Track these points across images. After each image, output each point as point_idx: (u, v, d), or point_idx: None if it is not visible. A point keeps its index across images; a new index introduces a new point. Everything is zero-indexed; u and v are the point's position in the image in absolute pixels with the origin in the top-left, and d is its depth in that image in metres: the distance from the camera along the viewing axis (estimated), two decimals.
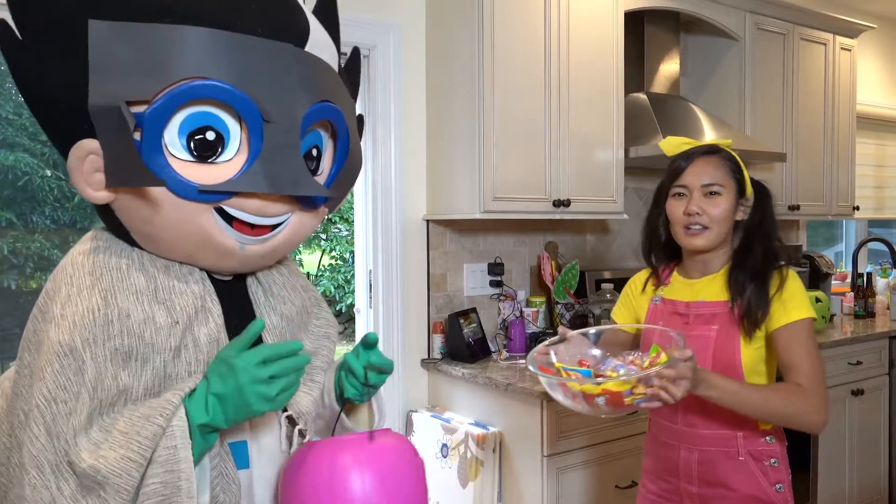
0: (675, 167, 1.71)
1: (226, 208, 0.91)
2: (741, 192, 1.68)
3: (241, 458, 1.00)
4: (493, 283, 3.01)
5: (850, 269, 4.35)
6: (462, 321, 2.79)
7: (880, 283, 4.37)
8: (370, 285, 2.80)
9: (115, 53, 0.83)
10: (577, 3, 2.82)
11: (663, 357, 1.41)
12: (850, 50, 3.97)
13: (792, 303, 1.60)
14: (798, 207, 3.70)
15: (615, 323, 1.87)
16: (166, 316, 0.91)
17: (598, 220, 3.38)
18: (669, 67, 3.42)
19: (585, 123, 2.86)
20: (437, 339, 2.84)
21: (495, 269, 2.99)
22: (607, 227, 3.46)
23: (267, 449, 1.03)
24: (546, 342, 1.56)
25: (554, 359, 1.49)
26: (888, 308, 3.94)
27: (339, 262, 6.44)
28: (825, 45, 3.85)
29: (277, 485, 1.03)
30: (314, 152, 0.99)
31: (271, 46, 0.90)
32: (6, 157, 3.98)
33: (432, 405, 2.81)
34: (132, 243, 0.95)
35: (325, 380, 1.15)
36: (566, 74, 2.79)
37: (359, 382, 1.09)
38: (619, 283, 3.21)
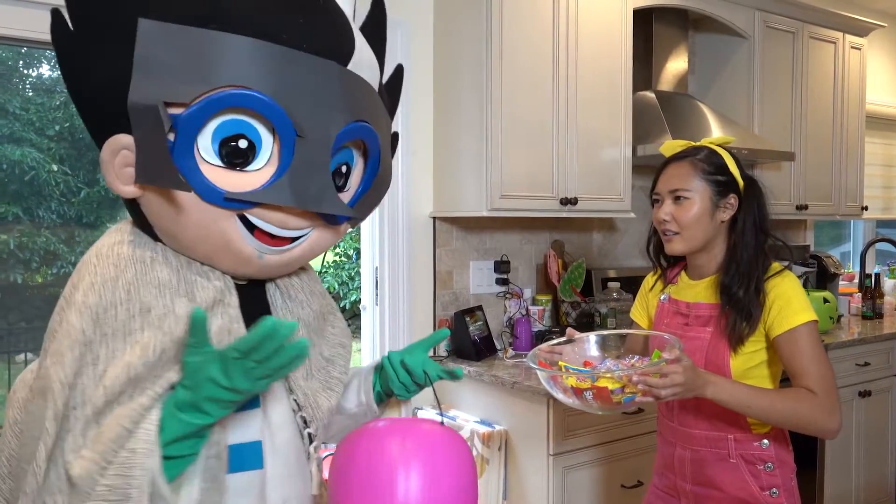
0: (658, 170, 1.74)
1: (249, 216, 0.91)
2: (722, 192, 1.64)
3: (256, 458, 0.99)
4: (500, 281, 3.00)
5: (857, 269, 4.33)
6: (468, 319, 2.78)
7: (888, 283, 4.36)
8: (376, 282, 2.79)
9: (159, 53, 0.84)
10: (585, 0, 2.80)
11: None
12: (859, 49, 3.95)
13: (790, 308, 1.58)
14: (806, 207, 3.69)
15: (633, 322, 1.91)
16: (185, 307, 0.91)
17: (604, 219, 3.37)
18: (678, 65, 3.40)
19: (593, 121, 2.85)
20: None
21: (501, 266, 2.98)
22: (614, 225, 3.45)
23: (282, 449, 1.03)
24: (553, 341, 1.58)
25: (561, 357, 1.52)
26: None
27: (343, 258, 6.44)
28: (835, 43, 3.82)
29: (300, 479, 1.05)
30: (343, 169, 1.00)
31: (314, 62, 0.91)
32: (13, 152, 3.99)
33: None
34: (156, 238, 0.96)
35: (360, 382, 1.19)
36: (574, 72, 2.78)
37: (412, 382, 1.14)
38: (626, 282, 3.22)
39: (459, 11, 2.71)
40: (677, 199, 1.66)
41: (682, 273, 1.78)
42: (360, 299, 2.92)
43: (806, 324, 1.57)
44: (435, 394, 1.22)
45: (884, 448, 3.51)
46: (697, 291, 1.71)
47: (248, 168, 0.90)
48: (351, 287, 6.19)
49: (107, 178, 0.90)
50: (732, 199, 1.65)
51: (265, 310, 1.05)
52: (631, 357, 1.53)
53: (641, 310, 1.89)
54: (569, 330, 1.60)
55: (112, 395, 0.86)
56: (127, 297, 0.88)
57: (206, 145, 0.88)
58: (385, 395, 1.21)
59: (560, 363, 1.50)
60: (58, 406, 0.85)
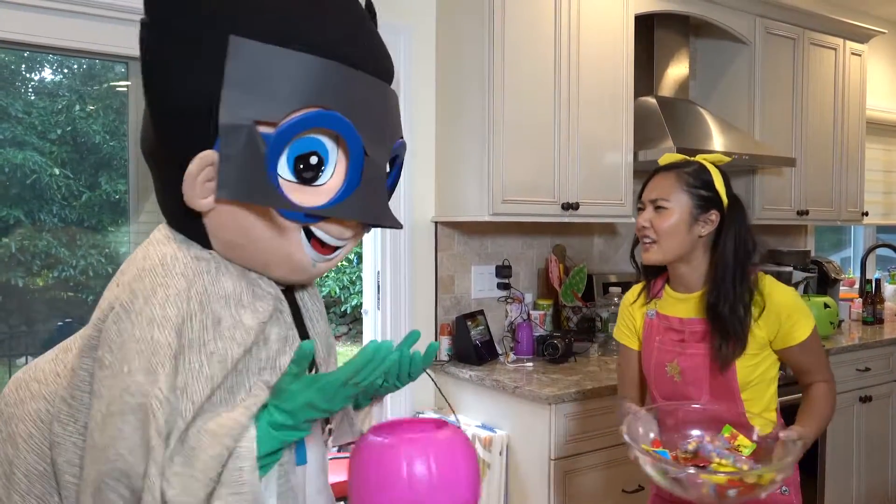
0: (647, 178, 1.76)
1: (313, 229, 0.96)
2: (703, 206, 1.66)
3: (302, 455, 1.03)
4: (501, 286, 3.00)
5: (858, 274, 4.34)
6: (469, 323, 2.79)
7: (889, 289, 4.36)
8: (378, 286, 2.80)
9: (249, 73, 0.86)
10: (587, 6, 2.82)
11: (742, 439, 1.42)
12: (860, 55, 3.96)
13: (795, 320, 1.63)
14: (807, 212, 3.69)
15: (620, 344, 1.86)
16: (252, 318, 0.93)
17: (606, 224, 3.38)
18: (679, 71, 3.41)
19: (594, 126, 2.86)
20: (445, 341, 2.84)
21: (503, 271, 2.98)
22: (615, 230, 3.45)
23: (315, 444, 1.07)
24: (628, 419, 1.51)
25: (648, 437, 1.48)
26: None
27: (343, 263, 6.45)
28: (835, 49, 3.84)
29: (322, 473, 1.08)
30: None
31: (375, 84, 0.96)
32: (15, 156, 3.99)
33: (439, 407, 2.81)
34: (207, 246, 0.97)
35: None
36: (576, 77, 2.79)
37: (395, 379, 1.13)
38: (627, 287, 3.19)
39: (461, 17, 2.72)
40: (657, 207, 1.68)
41: (666, 286, 1.77)
42: (361, 303, 2.92)
43: (812, 334, 1.65)
44: (440, 390, 1.23)
45: (884, 453, 3.52)
46: (689, 307, 1.71)
47: (316, 183, 0.93)
48: (352, 291, 6.19)
49: (188, 190, 0.90)
50: (713, 216, 1.66)
51: (297, 313, 1.08)
52: (701, 434, 1.48)
53: (627, 329, 1.84)
54: (631, 406, 1.58)
55: (198, 410, 0.87)
56: (200, 309, 0.89)
57: (282, 161, 0.90)
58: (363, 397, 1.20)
59: (644, 446, 1.44)
60: (160, 423, 0.83)
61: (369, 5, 1.13)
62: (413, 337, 1.08)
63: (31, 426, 0.95)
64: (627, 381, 1.84)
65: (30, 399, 0.97)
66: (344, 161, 0.94)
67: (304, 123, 0.89)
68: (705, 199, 1.66)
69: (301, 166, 0.92)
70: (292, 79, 0.87)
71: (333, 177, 0.94)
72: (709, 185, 1.67)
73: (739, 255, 1.64)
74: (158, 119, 0.92)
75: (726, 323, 1.60)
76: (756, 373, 1.64)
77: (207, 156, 0.88)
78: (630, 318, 1.83)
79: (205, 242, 0.96)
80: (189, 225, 0.96)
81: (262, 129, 0.87)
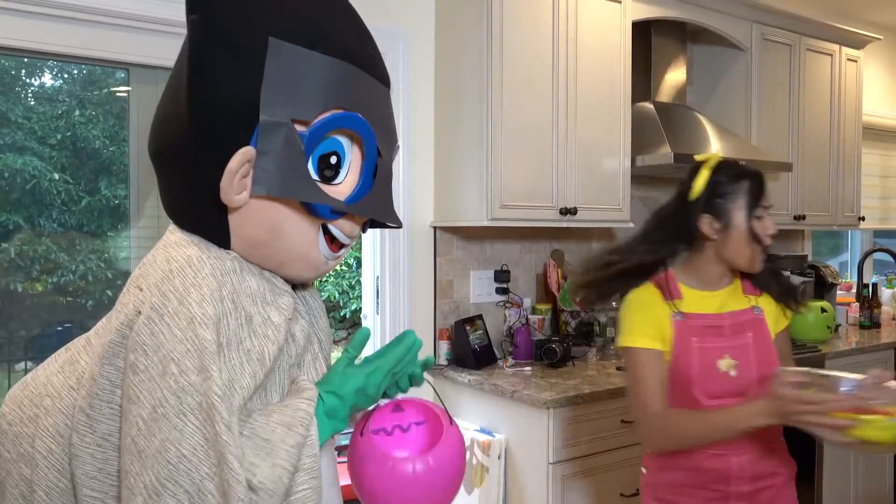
0: (759, 184, 1.69)
1: (330, 226, 1.00)
2: None
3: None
4: (500, 291, 3.02)
5: (855, 279, 4.35)
6: (468, 328, 2.80)
7: (886, 293, 4.38)
8: (377, 291, 2.81)
9: (285, 73, 0.90)
10: (585, 12, 2.84)
11: None
12: (856, 61, 3.99)
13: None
14: (804, 217, 3.71)
15: (642, 346, 1.69)
16: (278, 315, 0.95)
17: (604, 229, 3.39)
18: (676, 77, 3.43)
19: (592, 132, 2.87)
20: (444, 346, 2.85)
21: (501, 276, 3.00)
22: (613, 235, 3.47)
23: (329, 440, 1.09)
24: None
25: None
26: (894, 319, 3.94)
27: (343, 267, 6.45)
28: (831, 55, 3.86)
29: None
30: None
31: (382, 89, 1.02)
32: (14, 161, 4.00)
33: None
34: (224, 245, 0.97)
35: None
36: (574, 83, 2.81)
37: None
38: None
39: (460, 23, 2.74)
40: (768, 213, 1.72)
41: (682, 286, 1.72)
42: (360, 308, 2.93)
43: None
44: (439, 397, 1.24)
45: (882, 456, 3.52)
46: (722, 301, 1.72)
47: (334, 182, 0.97)
48: (351, 296, 6.20)
49: (226, 186, 0.91)
50: None
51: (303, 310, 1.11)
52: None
53: (652, 331, 1.69)
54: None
55: (242, 405, 0.89)
56: (234, 308, 0.90)
57: (309, 160, 0.95)
58: None
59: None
60: (225, 417, 0.84)
61: None
62: (409, 339, 1.10)
63: (51, 442, 0.93)
64: (660, 388, 1.67)
65: (44, 415, 0.95)
66: (358, 160, 0.98)
67: (332, 124, 0.93)
68: None
69: (322, 165, 0.95)
70: (320, 80, 0.92)
71: (349, 176, 0.98)
72: None
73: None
74: (200, 116, 0.92)
75: (779, 279, 1.70)
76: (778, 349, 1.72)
77: (248, 151, 0.91)
78: (654, 320, 1.69)
79: (222, 242, 0.97)
80: (209, 224, 0.96)
81: (299, 128, 0.92)
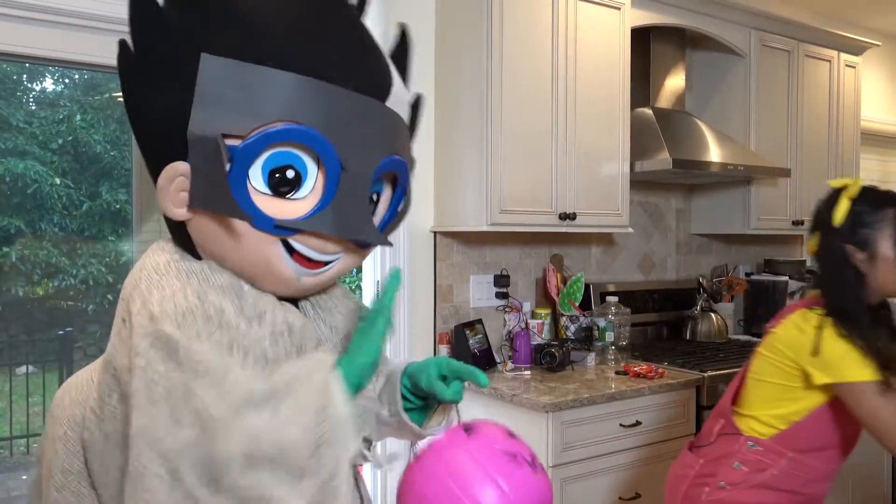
0: None
1: (291, 242, 0.97)
2: None
3: None
4: (499, 295, 3.03)
5: None
6: (468, 332, 2.81)
7: None
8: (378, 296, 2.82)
9: (219, 87, 0.90)
10: (584, 19, 2.86)
11: None
12: (854, 67, 4.01)
13: None
14: (802, 223, 3.72)
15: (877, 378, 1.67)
16: (254, 307, 0.97)
17: (603, 234, 3.41)
18: (675, 83, 3.45)
19: (592, 138, 2.89)
20: (443, 350, 2.86)
21: (501, 280, 3.01)
22: (612, 240, 3.48)
23: None
24: None
25: None
26: None
27: None
28: (830, 62, 3.88)
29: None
30: (374, 197, 1.06)
31: (357, 100, 0.97)
32: (16, 165, 4.02)
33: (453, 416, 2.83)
34: (198, 257, 1.01)
35: (386, 393, 1.19)
36: (573, 89, 2.83)
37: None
38: (624, 296, 3.25)
39: (460, 30, 2.76)
40: None
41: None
42: None
43: None
44: (457, 410, 1.23)
45: (879, 462, 3.53)
46: None
47: (294, 196, 0.95)
48: None
49: (162, 201, 0.94)
50: None
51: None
52: None
53: (869, 368, 1.65)
54: None
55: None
56: (200, 303, 0.92)
57: (256, 174, 0.93)
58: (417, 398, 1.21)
59: None
60: (203, 398, 0.87)
61: (402, 35, 1.16)
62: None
63: (68, 428, 1.01)
64: None
65: (69, 403, 1.03)
66: (323, 176, 0.96)
67: (272, 137, 0.91)
68: None
69: (275, 180, 0.94)
70: (262, 94, 0.90)
71: (313, 192, 0.96)
72: None
73: None
74: (136, 132, 0.97)
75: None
76: None
77: (176, 166, 0.92)
78: (857, 354, 1.65)
79: (194, 254, 1.00)
80: (179, 236, 1.01)
81: (231, 142, 0.90)
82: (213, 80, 0.89)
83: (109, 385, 0.94)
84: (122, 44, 0.95)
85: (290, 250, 0.98)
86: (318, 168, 0.96)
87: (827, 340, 1.64)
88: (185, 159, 0.92)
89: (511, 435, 1.09)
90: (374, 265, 2.83)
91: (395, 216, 1.09)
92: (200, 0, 0.92)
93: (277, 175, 0.93)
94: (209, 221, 0.95)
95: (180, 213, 0.95)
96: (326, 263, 1.02)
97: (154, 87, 0.93)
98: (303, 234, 0.97)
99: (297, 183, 0.95)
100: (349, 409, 0.92)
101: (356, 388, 0.97)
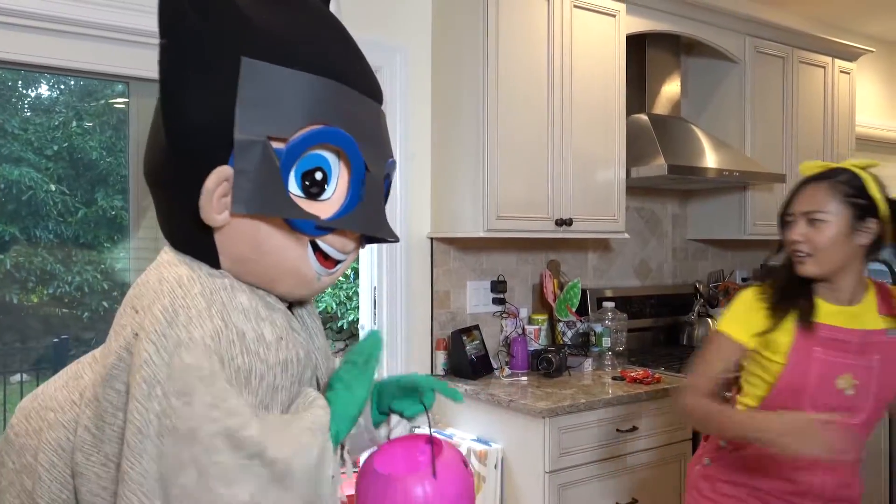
0: (789, 193, 1.73)
1: (319, 242, 0.99)
2: (861, 215, 1.63)
3: None
4: (496, 301, 3.03)
5: None
6: (465, 338, 2.81)
7: None
8: (375, 302, 2.82)
9: (261, 92, 0.91)
10: (579, 26, 2.87)
11: None
12: (848, 73, 4.02)
13: None
14: None
15: (728, 333, 1.74)
16: (271, 332, 0.96)
17: (599, 239, 3.41)
18: (670, 89, 3.47)
19: (588, 144, 2.90)
20: (440, 356, 2.86)
21: (498, 286, 3.01)
22: (609, 245, 3.49)
23: None
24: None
25: None
26: None
27: (340, 278, 6.47)
28: (824, 68, 3.89)
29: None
30: None
31: (370, 104, 1.01)
32: (11, 172, 4.01)
33: (434, 421, 2.82)
34: (214, 264, 0.99)
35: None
36: (569, 96, 2.84)
37: (415, 402, 1.19)
38: (621, 301, 3.25)
39: (456, 37, 2.77)
40: (812, 220, 1.65)
41: (816, 298, 1.70)
42: (358, 319, 2.95)
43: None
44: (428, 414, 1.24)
45: (877, 464, 3.54)
46: (864, 319, 1.68)
47: (321, 198, 0.97)
48: (349, 307, 6.20)
49: (205, 206, 0.92)
50: (872, 224, 1.63)
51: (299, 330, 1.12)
52: None
53: (745, 326, 1.72)
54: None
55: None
56: (224, 325, 0.91)
57: (291, 177, 0.94)
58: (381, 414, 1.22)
59: None
60: (207, 442, 0.85)
61: None
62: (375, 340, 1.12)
63: (53, 455, 0.96)
64: (714, 373, 1.72)
65: (47, 428, 0.97)
66: (346, 176, 0.98)
67: (313, 139, 0.93)
68: (862, 207, 1.62)
69: (307, 182, 0.95)
70: (298, 97, 0.92)
71: (336, 191, 0.98)
72: (864, 192, 1.63)
73: None
74: (175, 138, 0.94)
75: None
76: None
77: (224, 171, 0.92)
78: (753, 318, 1.71)
79: (212, 262, 0.98)
80: (198, 244, 0.98)
81: (274, 145, 0.92)
82: (255, 84, 0.90)
83: (114, 404, 0.90)
84: (164, 48, 0.93)
85: (313, 251, 1.00)
86: (341, 168, 0.98)
87: (734, 300, 1.77)
88: (224, 164, 0.91)
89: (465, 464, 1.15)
90: (371, 272, 2.83)
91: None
92: (226, 6, 0.93)
93: (308, 177, 0.95)
94: (247, 226, 0.95)
95: (221, 218, 0.94)
96: (338, 263, 1.04)
97: (195, 92, 0.92)
98: (331, 234, 0.99)
99: (324, 184, 0.97)
100: (336, 479, 0.95)
101: (344, 433, 1.01)
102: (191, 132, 0.93)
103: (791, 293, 1.70)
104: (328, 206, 0.97)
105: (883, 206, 1.64)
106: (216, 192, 0.92)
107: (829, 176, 1.67)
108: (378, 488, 1.05)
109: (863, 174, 1.66)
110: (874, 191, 1.64)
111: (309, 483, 0.90)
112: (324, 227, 0.97)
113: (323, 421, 0.96)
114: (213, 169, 0.91)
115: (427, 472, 1.06)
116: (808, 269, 1.65)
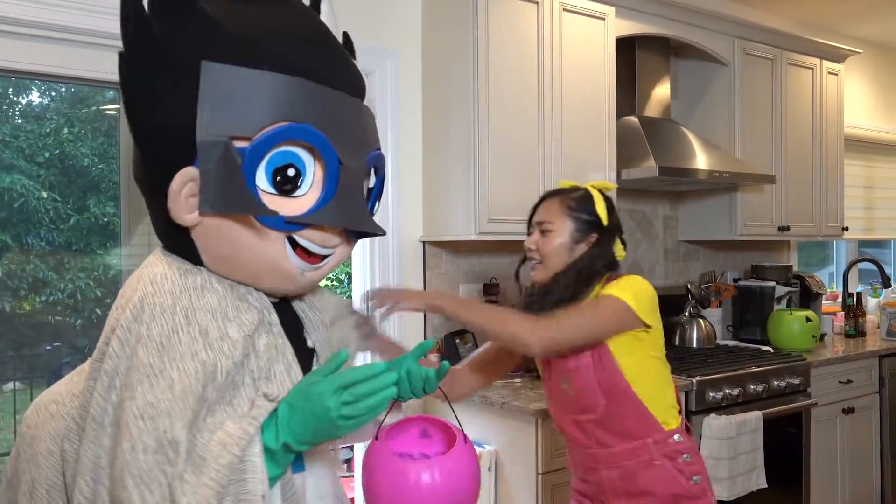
0: (533, 206, 1.89)
1: (296, 237, 1.01)
2: (584, 230, 1.79)
3: (298, 461, 1.06)
4: (489, 303, 3.04)
5: (841, 289, 4.40)
6: (458, 341, 2.82)
7: (871, 302, 4.43)
8: (367, 306, 2.82)
9: (222, 93, 0.93)
10: (569, 29, 2.88)
11: None
12: (836, 74, 4.05)
13: (611, 287, 1.72)
14: (788, 228, 3.76)
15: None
16: (237, 331, 0.97)
17: None
18: (660, 91, 3.48)
19: (578, 147, 2.91)
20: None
21: (490, 289, 3.02)
22: None
23: (320, 451, 1.10)
24: None
25: None
26: (878, 327, 3.99)
27: (335, 282, 6.46)
28: (812, 69, 3.92)
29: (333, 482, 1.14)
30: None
31: (346, 100, 1.03)
32: (2, 179, 3.99)
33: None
34: (198, 263, 1.02)
35: None
36: (559, 99, 2.85)
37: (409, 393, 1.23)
38: None
39: (447, 42, 2.78)
40: (543, 231, 1.81)
41: None
42: None
43: (610, 295, 1.70)
44: (454, 412, 1.27)
45: (868, 464, 3.56)
46: None
47: (296, 194, 0.99)
48: None
49: (173, 207, 0.96)
50: (593, 238, 1.79)
51: (298, 322, 1.13)
52: None
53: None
54: None
55: (197, 414, 0.90)
56: (186, 322, 0.94)
57: (260, 175, 0.96)
58: None
59: None
60: (135, 438, 0.87)
61: (346, 40, 1.20)
62: (425, 346, 1.17)
63: (51, 443, 1.01)
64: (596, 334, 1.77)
65: (49, 419, 1.02)
66: (321, 172, 1.00)
67: (278, 136, 0.95)
68: (587, 222, 1.79)
69: (279, 178, 0.97)
70: (263, 96, 0.94)
71: (312, 187, 1.00)
72: (591, 210, 1.79)
73: (596, 265, 1.76)
74: (141, 143, 0.98)
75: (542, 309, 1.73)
76: (635, 368, 1.72)
77: (187, 172, 0.94)
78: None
79: (195, 259, 1.01)
80: (179, 243, 1.01)
81: (238, 144, 0.93)
82: (216, 86, 0.92)
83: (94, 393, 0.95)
84: (122, 56, 0.97)
85: (293, 246, 1.01)
86: (316, 164, 0.99)
87: None
88: (190, 165, 0.94)
89: (426, 433, 1.22)
90: (364, 273, 2.84)
91: (374, 206, 1.14)
92: (188, 11, 0.95)
93: (280, 174, 0.97)
94: (217, 224, 0.97)
95: (191, 218, 0.96)
96: (324, 257, 1.05)
97: (157, 97, 0.95)
98: (309, 228, 1.00)
99: (297, 180, 0.98)
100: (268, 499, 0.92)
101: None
102: (157, 136, 0.96)
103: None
104: (304, 201, 0.99)
105: (606, 223, 1.80)
106: (182, 193, 0.95)
107: (564, 192, 1.84)
108: (406, 468, 1.07)
109: (595, 193, 1.82)
110: (600, 209, 1.80)
111: (225, 486, 0.89)
112: (295, 223, 0.98)
113: (250, 431, 0.91)
114: (179, 170, 0.94)
115: (460, 443, 1.14)
116: (537, 275, 1.84)
